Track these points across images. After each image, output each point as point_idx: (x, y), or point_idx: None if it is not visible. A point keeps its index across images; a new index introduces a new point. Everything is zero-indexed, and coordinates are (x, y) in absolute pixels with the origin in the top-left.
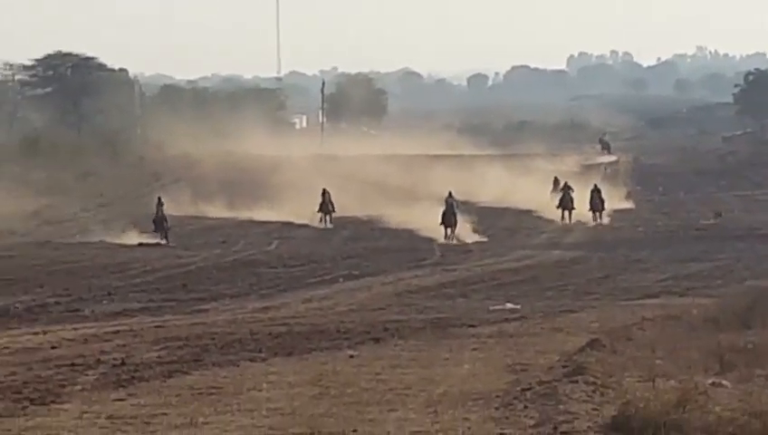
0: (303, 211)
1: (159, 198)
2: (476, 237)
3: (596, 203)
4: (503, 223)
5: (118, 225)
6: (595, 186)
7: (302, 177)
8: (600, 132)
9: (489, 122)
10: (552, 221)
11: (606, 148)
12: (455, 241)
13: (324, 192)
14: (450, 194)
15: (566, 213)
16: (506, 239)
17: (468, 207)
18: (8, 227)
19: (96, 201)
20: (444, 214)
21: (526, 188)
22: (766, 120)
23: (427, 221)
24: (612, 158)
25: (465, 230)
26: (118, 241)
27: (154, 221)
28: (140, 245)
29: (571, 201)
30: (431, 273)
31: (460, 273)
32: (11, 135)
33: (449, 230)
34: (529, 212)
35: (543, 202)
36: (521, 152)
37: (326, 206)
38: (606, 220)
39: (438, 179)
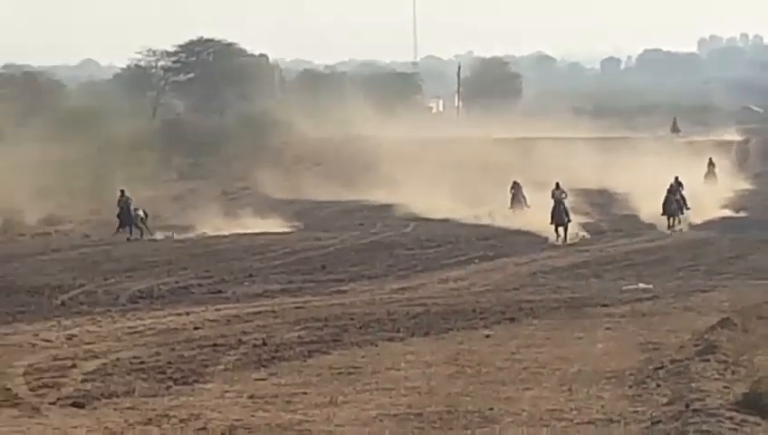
0: (433, 197)
1: (122, 191)
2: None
3: (672, 206)
4: (630, 206)
5: (259, 209)
6: (676, 179)
7: (433, 160)
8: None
9: (622, 105)
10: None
11: (675, 131)
12: (566, 241)
13: (515, 185)
14: (557, 186)
15: (671, 219)
16: (633, 223)
17: (592, 192)
18: (151, 211)
19: (238, 185)
20: (553, 212)
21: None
22: None
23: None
24: (730, 137)
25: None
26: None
27: (118, 216)
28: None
29: (683, 204)
30: (564, 254)
31: (593, 253)
32: (154, 121)
33: (560, 229)
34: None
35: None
36: (642, 135)
37: (518, 201)
38: (684, 227)
39: (554, 162)
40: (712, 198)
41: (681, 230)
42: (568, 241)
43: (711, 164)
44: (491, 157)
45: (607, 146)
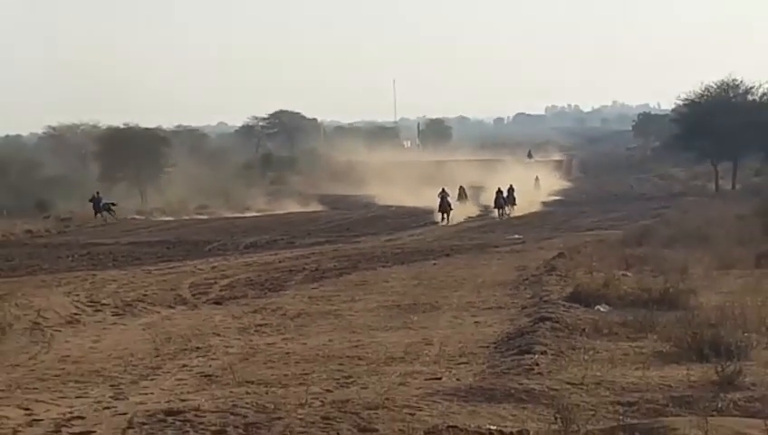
0: (401, 193)
1: (97, 192)
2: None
3: (510, 199)
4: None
5: (311, 200)
6: (510, 186)
7: (399, 172)
8: (530, 148)
9: (504, 143)
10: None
11: (530, 157)
12: (450, 223)
13: (461, 188)
14: (443, 190)
15: (499, 210)
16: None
17: (480, 189)
18: (252, 204)
19: (301, 188)
20: (440, 205)
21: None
22: (650, 137)
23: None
24: (558, 157)
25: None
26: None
27: (93, 207)
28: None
29: (514, 199)
30: (474, 221)
31: (489, 221)
32: (256, 154)
33: (444, 215)
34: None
35: (519, 184)
36: (510, 157)
37: (463, 198)
38: (511, 213)
39: (458, 173)
40: (542, 195)
41: (508, 215)
42: (450, 222)
43: (537, 180)
44: (429, 171)
45: (490, 164)
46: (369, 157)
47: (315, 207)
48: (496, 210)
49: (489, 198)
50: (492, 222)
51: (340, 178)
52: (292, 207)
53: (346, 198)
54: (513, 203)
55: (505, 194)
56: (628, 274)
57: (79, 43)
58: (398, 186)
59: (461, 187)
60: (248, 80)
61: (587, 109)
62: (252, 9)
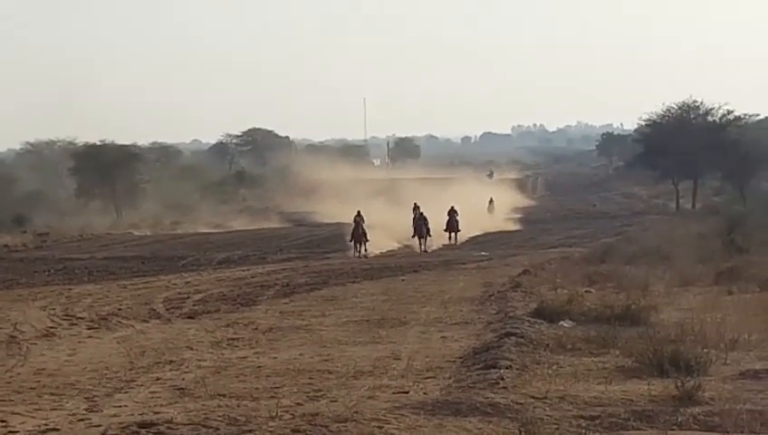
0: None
1: None
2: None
3: (452, 224)
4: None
5: (279, 217)
6: (452, 208)
7: (370, 190)
8: (489, 167)
9: (470, 161)
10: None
11: (490, 176)
12: (366, 253)
13: (416, 206)
14: (358, 213)
15: (452, 235)
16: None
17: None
18: (224, 220)
19: (272, 203)
20: (353, 232)
21: (474, 196)
22: (613, 157)
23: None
24: (516, 176)
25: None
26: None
27: None
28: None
29: (456, 224)
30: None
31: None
32: (230, 171)
33: (357, 245)
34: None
35: (473, 205)
36: (467, 175)
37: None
38: (455, 242)
39: (424, 194)
40: (496, 218)
41: (428, 250)
42: (367, 254)
43: (491, 202)
44: (391, 187)
45: (448, 182)
46: (336, 174)
47: (284, 223)
48: (418, 241)
49: (440, 221)
50: (459, 240)
51: (301, 195)
52: (261, 223)
53: (314, 215)
54: (457, 229)
55: (446, 219)
56: (592, 290)
57: (57, 60)
58: (351, 203)
59: (415, 203)
60: (222, 98)
61: (552, 129)
62: (226, 29)
